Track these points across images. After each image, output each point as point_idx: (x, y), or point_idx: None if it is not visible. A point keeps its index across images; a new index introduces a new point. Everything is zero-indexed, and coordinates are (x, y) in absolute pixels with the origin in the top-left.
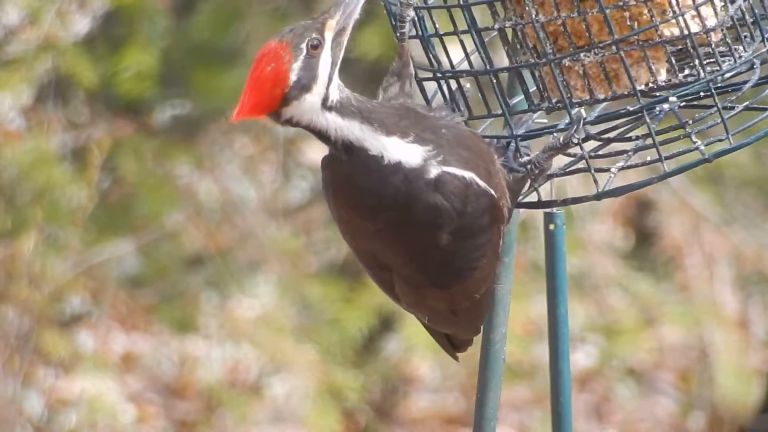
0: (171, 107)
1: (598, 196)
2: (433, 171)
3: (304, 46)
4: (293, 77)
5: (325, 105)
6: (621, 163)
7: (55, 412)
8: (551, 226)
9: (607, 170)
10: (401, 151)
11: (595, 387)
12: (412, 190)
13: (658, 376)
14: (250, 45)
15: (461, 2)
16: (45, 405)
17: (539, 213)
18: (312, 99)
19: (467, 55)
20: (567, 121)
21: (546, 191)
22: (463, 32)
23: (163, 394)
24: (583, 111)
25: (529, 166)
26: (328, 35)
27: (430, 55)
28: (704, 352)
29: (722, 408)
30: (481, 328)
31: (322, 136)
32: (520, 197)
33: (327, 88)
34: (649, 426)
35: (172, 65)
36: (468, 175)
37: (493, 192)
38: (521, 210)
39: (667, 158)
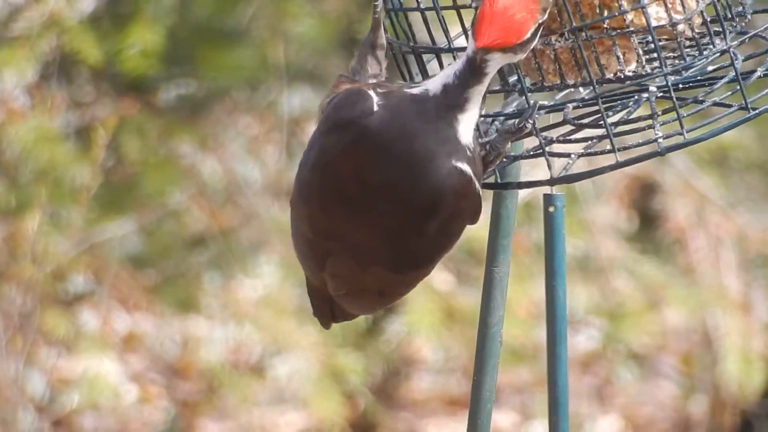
0: (176, 86)
1: (552, 182)
2: (458, 161)
3: (546, 12)
4: (528, 34)
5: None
6: (581, 150)
7: (57, 392)
8: (551, 208)
9: (568, 156)
10: (469, 128)
11: (597, 370)
12: (437, 163)
13: (661, 359)
14: (255, 24)
15: None
16: (47, 384)
17: (541, 195)
18: (515, 59)
19: (446, 33)
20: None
21: (546, 173)
22: (444, 8)
23: (165, 374)
24: (579, 92)
25: (487, 147)
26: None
27: (404, 31)
28: (707, 336)
29: (725, 392)
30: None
31: (467, 87)
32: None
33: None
34: (651, 409)
35: (178, 43)
36: (474, 178)
37: (480, 194)
38: (524, 192)
39: (627, 148)
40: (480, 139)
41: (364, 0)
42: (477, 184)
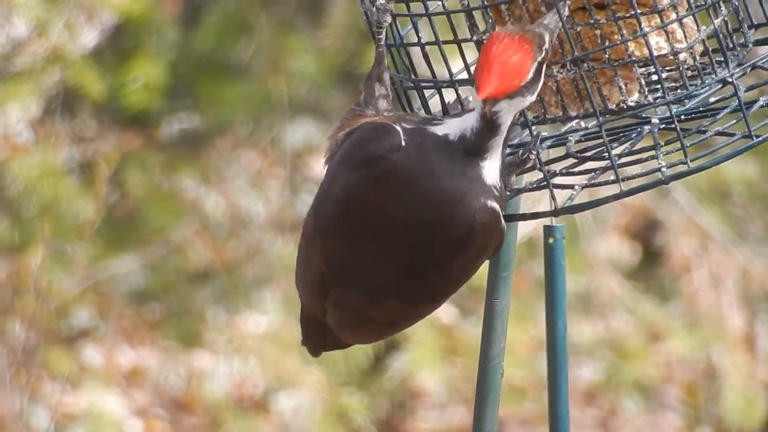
0: (178, 120)
1: (555, 213)
2: (487, 199)
3: (544, 49)
4: (530, 75)
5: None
6: (584, 182)
7: (62, 427)
8: (551, 240)
9: (572, 188)
10: (493, 169)
11: (601, 401)
12: (467, 201)
13: (665, 390)
14: (257, 58)
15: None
16: (52, 420)
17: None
18: (525, 103)
19: (448, 67)
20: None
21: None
22: (446, 42)
23: (169, 409)
24: (577, 125)
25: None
26: (545, 49)
27: (405, 64)
28: (711, 367)
29: (729, 423)
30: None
31: (486, 137)
32: None
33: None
34: None
35: (180, 78)
36: (500, 212)
37: (505, 228)
38: (526, 228)
39: (629, 178)
40: None
41: (362, 35)
42: (503, 220)
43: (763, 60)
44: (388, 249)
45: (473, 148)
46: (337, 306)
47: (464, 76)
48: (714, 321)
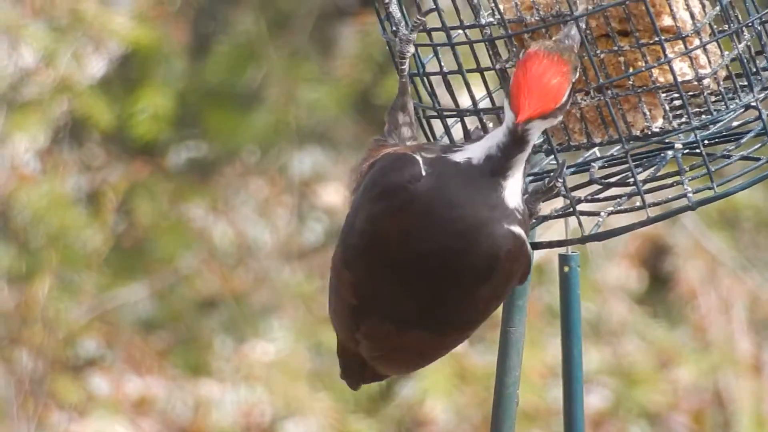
0: (186, 150)
1: (583, 240)
2: (510, 224)
3: (577, 73)
4: (565, 97)
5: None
6: (610, 209)
7: None
8: (566, 269)
9: (597, 214)
10: (515, 192)
11: (609, 428)
12: (489, 229)
13: (673, 417)
14: (267, 88)
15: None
16: None
17: (555, 256)
18: (554, 122)
19: (471, 96)
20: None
21: (561, 232)
22: (470, 71)
23: None
24: (597, 152)
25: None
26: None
27: (429, 93)
28: (719, 394)
29: None
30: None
31: (513, 155)
32: None
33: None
34: None
35: (188, 107)
36: (525, 238)
37: (531, 254)
38: (536, 254)
39: (655, 204)
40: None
41: (377, 66)
42: (528, 246)
43: None
44: (413, 280)
45: (498, 166)
46: (367, 337)
47: (487, 103)
48: (723, 346)
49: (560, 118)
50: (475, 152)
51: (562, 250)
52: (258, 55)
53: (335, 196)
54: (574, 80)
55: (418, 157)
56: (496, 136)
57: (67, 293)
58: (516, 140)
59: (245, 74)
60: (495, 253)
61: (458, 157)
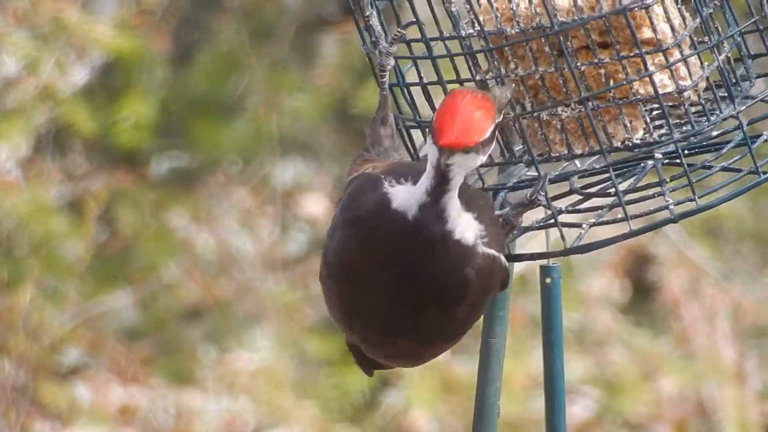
0: (169, 159)
1: (566, 252)
2: (478, 250)
3: (502, 112)
4: (488, 133)
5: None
6: (592, 220)
7: None
8: (548, 280)
9: (579, 226)
10: (467, 228)
11: None
12: (454, 266)
13: (656, 428)
14: (249, 97)
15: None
16: None
17: (537, 267)
18: (478, 162)
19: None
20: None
21: (542, 243)
22: (449, 82)
23: None
24: (577, 163)
25: (500, 221)
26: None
27: (408, 104)
28: (702, 405)
29: None
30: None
31: (439, 193)
32: None
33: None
34: None
35: (171, 116)
36: (497, 255)
37: (507, 266)
38: (518, 264)
39: (637, 216)
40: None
41: (357, 74)
42: (503, 259)
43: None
44: (389, 300)
45: (433, 211)
46: (362, 340)
47: None
48: (707, 356)
49: (481, 159)
50: (408, 203)
51: (543, 261)
52: (240, 64)
53: (317, 205)
54: (498, 120)
55: (386, 184)
56: (422, 183)
57: (50, 301)
58: (440, 179)
59: (227, 83)
60: (466, 275)
61: (402, 200)
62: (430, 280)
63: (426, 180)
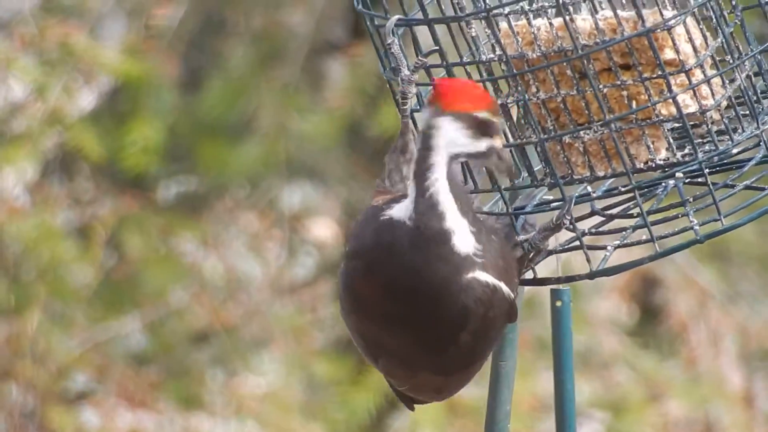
0: (176, 183)
1: (592, 275)
2: (470, 272)
3: (500, 116)
4: (480, 116)
5: (453, 157)
6: (617, 242)
7: None
8: (558, 303)
9: (604, 248)
10: (463, 236)
11: None
12: (450, 284)
13: None
14: (259, 121)
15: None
16: None
17: (545, 289)
18: (462, 141)
19: None
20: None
21: (551, 267)
22: None
23: None
24: (589, 188)
25: (525, 245)
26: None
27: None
28: (709, 428)
29: None
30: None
31: (423, 173)
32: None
33: (467, 152)
34: None
35: (179, 141)
36: (497, 283)
37: (513, 296)
38: (526, 287)
39: (663, 237)
40: (516, 238)
41: (368, 98)
42: (504, 289)
43: None
44: (398, 332)
45: (424, 196)
46: (386, 373)
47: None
48: (713, 378)
49: (471, 144)
50: (402, 211)
51: (554, 284)
52: (249, 88)
53: (325, 229)
54: (491, 116)
55: (386, 210)
56: (411, 181)
57: (57, 326)
58: (423, 143)
59: (236, 107)
60: (462, 304)
61: (397, 215)
62: (429, 302)
63: (413, 164)
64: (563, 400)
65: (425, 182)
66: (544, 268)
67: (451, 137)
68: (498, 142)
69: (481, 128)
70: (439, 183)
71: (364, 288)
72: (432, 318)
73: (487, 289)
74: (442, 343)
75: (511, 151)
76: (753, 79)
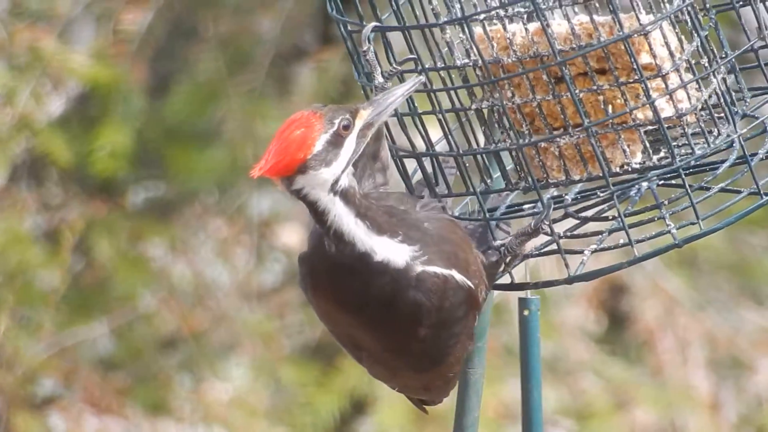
0: (145, 189)
1: (570, 280)
2: (416, 269)
3: (337, 122)
4: (319, 146)
5: (334, 188)
6: (594, 246)
7: None
8: (525, 312)
9: (581, 252)
10: (389, 251)
11: None
12: (397, 289)
13: None
14: (226, 126)
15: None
16: None
17: (514, 297)
18: (326, 176)
19: (446, 135)
20: (535, 204)
21: (520, 273)
22: (448, 111)
23: None
24: (563, 192)
25: (502, 250)
26: (359, 122)
27: (407, 134)
28: None
29: None
30: (450, 392)
31: (320, 218)
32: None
33: (342, 172)
34: None
35: (147, 146)
36: (447, 272)
37: (470, 284)
38: (495, 293)
39: (639, 241)
40: (492, 242)
41: (337, 101)
42: (457, 276)
43: (766, 114)
44: (364, 336)
45: (330, 234)
46: (372, 375)
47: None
48: (680, 386)
49: (333, 171)
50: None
51: (522, 292)
52: (217, 93)
53: (293, 235)
54: (330, 130)
55: (312, 246)
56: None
57: (25, 331)
58: (306, 205)
59: (204, 113)
60: (415, 300)
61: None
62: (380, 307)
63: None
64: (530, 408)
65: (326, 224)
66: (514, 273)
67: (318, 183)
68: (357, 123)
69: (333, 141)
70: (336, 218)
71: (319, 299)
72: (389, 320)
73: (437, 279)
74: (405, 341)
75: (482, 156)
76: (728, 81)
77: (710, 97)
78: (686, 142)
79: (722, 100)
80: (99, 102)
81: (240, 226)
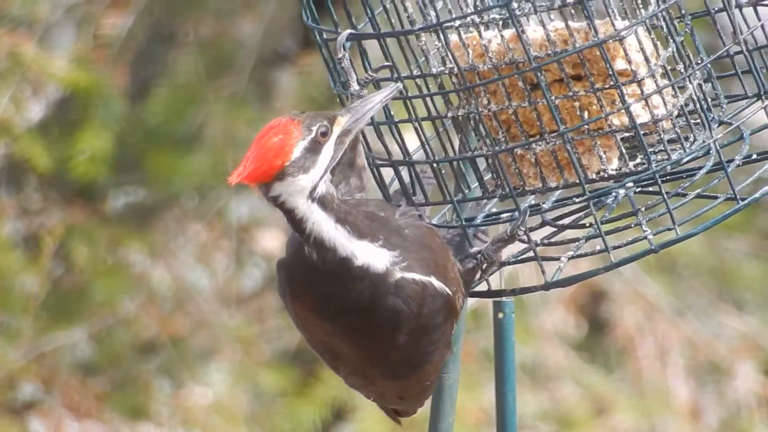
0: (125, 194)
1: (547, 286)
2: (395, 275)
3: (315, 129)
4: (297, 153)
5: (312, 194)
6: (570, 253)
7: None
8: (500, 315)
9: (558, 259)
10: (370, 255)
11: None
12: (375, 295)
13: None
14: (206, 130)
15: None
16: None
17: (490, 301)
18: (304, 183)
19: (422, 143)
20: (512, 213)
21: (496, 280)
22: (424, 119)
23: None
24: (540, 200)
25: (479, 257)
26: (336, 129)
27: (384, 143)
28: None
29: None
30: (425, 402)
31: (299, 226)
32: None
33: (320, 178)
34: None
35: (127, 151)
36: (426, 279)
37: (449, 291)
38: (471, 300)
39: (616, 247)
40: (469, 249)
41: (318, 108)
42: (435, 284)
43: (741, 120)
44: (341, 343)
45: (322, 256)
46: (349, 385)
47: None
48: (659, 392)
49: (311, 178)
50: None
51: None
52: (197, 98)
53: (273, 240)
54: (309, 137)
55: (289, 253)
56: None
57: (4, 336)
58: (284, 212)
59: (184, 117)
60: (394, 306)
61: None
62: (359, 313)
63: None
64: (504, 412)
65: (305, 232)
66: (491, 280)
67: (296, 191)
68: (335, 129)
69: (311, 148)
70: (315, 225)
71: (297, 306)
72: (368, 327)
73: (416, 285)
74: (383, 348)
75: (459, 163)
76: (704, 87)
77: (687, 103)
78: (662, 149)
79: (698, 106)
80: (79, 107)
81: (219, 230)
